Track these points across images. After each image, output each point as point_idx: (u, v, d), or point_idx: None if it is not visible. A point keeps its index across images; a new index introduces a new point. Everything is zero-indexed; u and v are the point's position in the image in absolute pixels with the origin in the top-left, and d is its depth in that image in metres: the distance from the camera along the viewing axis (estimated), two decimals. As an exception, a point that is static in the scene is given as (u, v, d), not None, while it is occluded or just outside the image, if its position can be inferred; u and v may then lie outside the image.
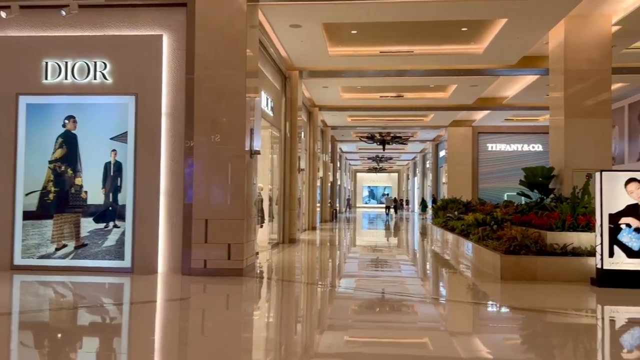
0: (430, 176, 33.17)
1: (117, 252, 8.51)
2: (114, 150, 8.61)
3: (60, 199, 8.63)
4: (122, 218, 8.55)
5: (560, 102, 10.77)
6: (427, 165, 35.49)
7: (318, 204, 21.31)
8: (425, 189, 36.80)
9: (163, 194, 8.50)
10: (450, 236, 13.57)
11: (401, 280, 8.97)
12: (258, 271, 9.13)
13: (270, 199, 13.33)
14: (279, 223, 13.46)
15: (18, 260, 8.60)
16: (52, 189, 8.65)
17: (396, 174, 62.09)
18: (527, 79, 15.75)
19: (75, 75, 8.63)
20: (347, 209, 44.57)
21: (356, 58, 13.08)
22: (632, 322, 6.22)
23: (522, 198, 12.30)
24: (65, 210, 8.63)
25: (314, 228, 19.43)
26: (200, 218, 8.27)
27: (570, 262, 8.01)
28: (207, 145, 8.30)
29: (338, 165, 33.90)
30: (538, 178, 10.74)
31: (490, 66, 13.54)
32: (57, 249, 8.60)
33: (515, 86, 17.07)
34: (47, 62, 8.67)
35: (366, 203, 64.53)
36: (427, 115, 22.47)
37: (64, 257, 8.56)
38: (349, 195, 48.44)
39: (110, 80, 8.61)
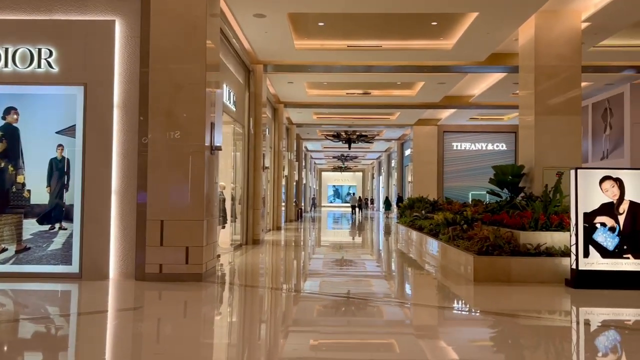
0: (395, 175, 33.08)
1: (63, 256, 7.80)
2: (60, 145, 7.89)
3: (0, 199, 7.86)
4: (70, 219, 7.84)
5: (530, 100, 10.58)
6: (392, 165, 35.41)
7: (283, 204, 20.78)
8: (391, 188, 36.74)
9: (114, 193, 7.83)
10: (417, 236, 13.28)
11: (368, 283, 8.56)
12: (219, 275, 8.56)
13: (233, 199, 12.74)
14: (242, 223, 12.88)
15: (-49, 266, 7.77)
16: (-10, 187, 7.86)
17: (361, 173, 62.10)
18: (493, 77, 15.64)
19: (17, 63, 7.86)
20: (313, 208, 44.15)
21: (323, 52, 12.63)
22: (607, 325, 5.99)
23: (489, 197, 12.13)
24: (5, 211, 7.86)
25: (278, 228, 18.90)
26: (155, 219, 7.64)
27: (545, 263, 7.77)
28: (162, 140, 7.68)
29: (303, 164, 33.42)
30: (508, 176, 10.52)
31: (458, 63, 13.32)
32: (-5, 254, 7.81)
33: (481, 84, 16.96)
34: (-16, 48, 7.86)
35: (331, 202, 64.31)
36: (393, 114, 22.24)
37: (4, 262, 7.79)
38: (314, 195, 48.03)
39: (56, 69, 7.88)
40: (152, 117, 7.70)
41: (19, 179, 7.88)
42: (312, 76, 15.16)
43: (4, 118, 7.88)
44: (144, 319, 5.86)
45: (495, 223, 9.19)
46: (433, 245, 11.04)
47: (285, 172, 20.57)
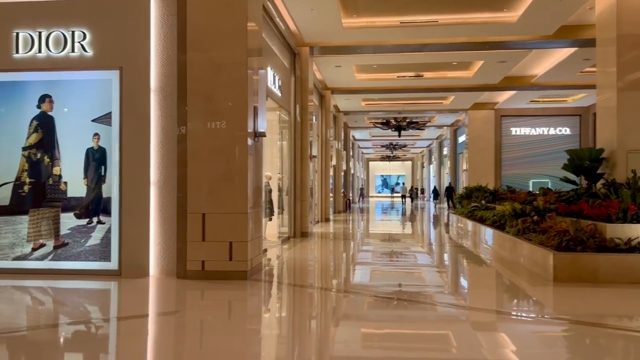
0: (448, 164, 31.73)
1: (102, 252, 7.33)
2: (96, 134, 7.40)
3: (36, 192, 7.46)
4: (108, 213, 7.36)
5: (609, 76, 9.35)
6: (445, 152, 34.04)
7: (331, 194, 20.05)
8: (443, 177, 35.38)
9: (153, 184, 7.28)
10: (478, 228, 12.25)
11: (427, 283, 7.68)
12: (266, 272, 7.91)
13: (280, 189, 12.10)
14: (290, 215, 12.23)
15: (-10, 262, 7.46)
16: (27, 180, 7.47)
17: (410, 162, 60.63)
18: (561, 54, 14.29)
19: (51, 48, 7.41)
20: (361, 199, 43.28)
21: (373, 30, 11.74)
22: None
23: (552, 183, 10.95)
24: (42, 205, 7.46)
25: (327, 220, 18.20)
26: (196, 212, 7.05)
27: (638, 260, 6.68)
28: (202, 127, 7.05)
29: (351, 153, 32.57)
30: (585, 162, 9.36)
31: (523, 38, 12.13)
32: (34, 249, 7.43)
33: (545, 63, 15.60)
34: (17, 33, 7.44)
35: (379, 192, 63.17)
36: (447, 98, 21.05)
37: (42, 258, 7.40)
38: (362, 185, 47.10)
39: (90, 53, 7.38)
40: (190, 101, 7.09)
41: (55, 170, 7.45)
42: (360, 58, 14.28)
43: (39, 106, 7.46)
44: (185, 326, 5.24)
45: (573, 214, 8.11)
46: (498, 239, 10.02)
47: (333, 162, 19.82)
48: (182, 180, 7.14)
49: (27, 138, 7.46)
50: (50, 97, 7.45)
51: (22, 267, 7.40)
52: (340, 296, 6.59)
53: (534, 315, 5.80)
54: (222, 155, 7.03)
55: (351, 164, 31.71)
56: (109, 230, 7.34)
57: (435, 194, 34.96)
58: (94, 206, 7.40)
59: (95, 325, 5.17)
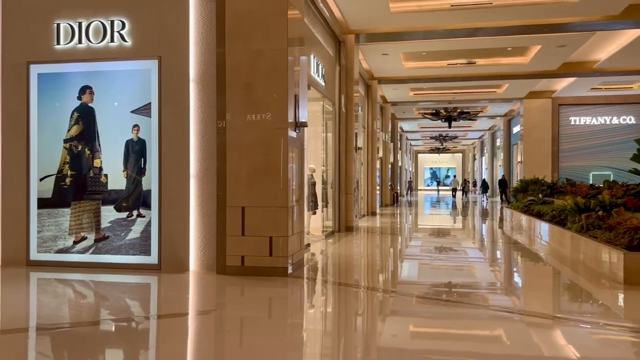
0: (500, 156, 30.51)
1: (142, 245, 7.20)
2: (135, 125, 7.26)
3: (77, 184, 7.40)
4: (148, 206, 7.21)
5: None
6: (498, 144, 32.76)
7: (378, 187, 19.54)
8: (496, 170, 34.10)
9: (193, 176, 7.08)
10: (535, 224, 11.51)
11: (489, 286, 7.14)
12: (308, 268, 7.58)
13: (325, 182, 11.75)
14: (334, 209, 11.86)
15: (34, 255, 7.47)
16: (69, 172, 7.43)
17: (460, 155, 59.02)
18: (627, 36, 13.22)
19: (91, 38, 7.31)
20: (409, 192, 42.42)
21: (422, 15, 11.15)
22: None
23: (610, 176, 10.08)
24: (83, 197, 7.40)
25: (373, 213, 17.73)
26: (236, 206, 6.79)
27: None
28: (241, 117, 6.77)
29: (399, 145, 31.84)
30: (658, 152, 8.52)
31: (586, 19, 11.23)
32: (75, 242, 7.39)
33: (610, 46, 14.51)
34: (58, 24, 7.39)
35: (428, 185, 61.81)
36: (500, 86, 20.08)
37: (84, 251, 7.35)
38: (410, 178, 46.15)
39: (129, 42, 7.23)
40: (229, 91, 6.82)
41: (96, 163, 7.37)
42: (409, 45, 13.69)
43: (79, 98, 7.39)
44: (223, 326, 4.97)
45: (646, 210, 7.36)
46: (558, 235, 9.31)
47: (380, 154, 19.29)
48: (221, 173, 6.90)
49: (68, 130, 7.41)
50: (90, 88, 7.36)
51: (65, 260, 7.37)
52: (387, 296, 6.17)
53: (602, 323, 5.19)
54: (261, 146, 6.73)
55: (399, 156, 31.00)
56: (149, 224, 7.20)
57: (485, 186, 33.75)
58: (134, 199, 7.27)
59: (135, 322, 4.98)
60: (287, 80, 6.65)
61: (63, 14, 7.37)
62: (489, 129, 35.02)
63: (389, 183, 24.13)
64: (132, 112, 7.27)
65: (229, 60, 6.81)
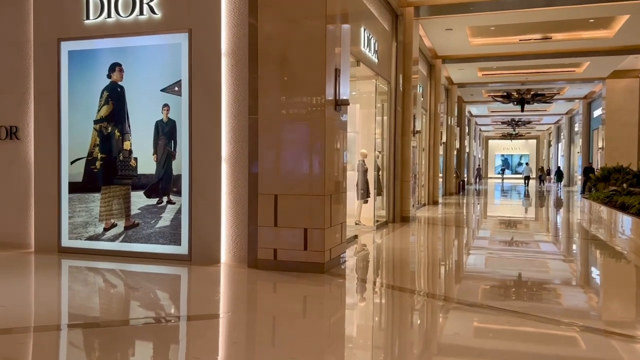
0: (579, 142, 28.17)
1: (172, 234, 6.70)
2: (165, 105, 6.73)
3: (107, 168, 7.00)
4: (178, 192, 6.70)
5: None
6: (576, 129, 30.31)
7: (441, 175, 18.34)
8: (573, 157, 31.64)
9: (224, 160, 6.47)
10: (619, 217, 10.11)
11: (564, 295, 6.06)
12: (352, 264, 6.80)
13: (379, 169, 10.88)
14: (388, 197, 10.98)
15: (65, 241, 7.18)
16: (99, 155, 7.04)
17: (535, 141, 55.76)
18: None
19: (120, 11, 6.83)
20: (477, 180, 40.47)
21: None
22: None
23: None
24: (113, 182, 6.99)
25: (435, 202, 16.63)
26: (268, 193, 6.12)
27: None
28: (274, 94, 6.07)
29: (466, 130, 30.17)
30: None
31: (687, -21, 9.59)
32: (105, 229, 7.02)
33: None
34: (88, -1, 6.97)
35: (499, 173, 58.93)
36: (580, 65, 18.20)
37: (114, 239, 6.96)
38: (479, 165, 44.01)
39: (159, 15, 6.68)
40: (261, 65, 6.12)
41: (126, 145, 6.92)
42: (475, 18, 12.42)
43: (109, 76, 6.95)
44: (246, 330, 4.32)
45: None
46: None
47: (443, 139, 18.07)
48: (253, 157, 6.24)
49: (98, 110, 7.01)
50: (120, 65, 6.90)
51: (95, 248, 7.02)
52: (439, 304, 5.26)
53: None
54: (296, 127, 6.00)
55: (466, 141, 29.38)
56: (179, 211, 6.69)
57: (559, 175, 31.40)
58: (164, 184, 6.78)
59: (163, 323, 4.43)
60: (325, 52, 5.86)
61: (93, -14, 6.94)
62: (567, 113, 32.46)
63: (454, 170, 22.77)
64: (162, 90, 6.74)
65: (261, 31, 6.11)
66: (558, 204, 19.50)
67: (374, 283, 6.03)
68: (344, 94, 6.20)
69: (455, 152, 22.86)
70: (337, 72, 6.14)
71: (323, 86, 5.88)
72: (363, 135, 10.50)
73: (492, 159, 59.18)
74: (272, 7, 6.07)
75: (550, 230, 11.80)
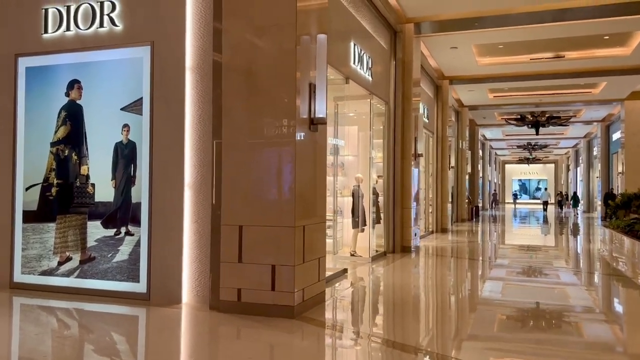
0: (598, 166, 27.03)
1: (130, 270, 5.97)
2: (125, 125, 6.07)
3: (63, 195, 6.33)
4: (137, 222, 5.98)
5: None
6: (595, 153, 29.17)
7: (450, 201, 17.42)
8: (592, 181, 30.41)
9: (188, 187, 5.75)
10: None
11: (589, 349, 5.15)
12: (331, 305, 5.97)
13: (377, 194, 10.07)
14: (386, 225, 10.15)
15: (18, 276, 6.48)
16: (55, 181, 6.38)
17: (552, 165, 54.37)
18: None
19: (79, 24, 6.25)
20: (493, 205, 39.24)
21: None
22: None
23: None
24: (69, 211, 6.31)
25: (444, 230, 15.70)
26: (232, 224, 5.36)
27: None
28: (239, 111, 5.37)
29: (480, 154, 29.23)
30: None
31: None
32: (60, 263, 6.31)
33: None
34: (46, 10, 6.40)
35: (517, 198, 57.40)
36: (596, 85, 17.31)
37: (68, 274, 6.24)
38: (494, 190, 42.77)
39: (120, 27, 6.07)
40: (226, 78, 5.44)
41: (83, 170, 6.26)
42: (481, 35, 11.69)
43: (67, 94, 6.33)
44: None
45: None
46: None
47: (452, 163, 17.22)
48: (217, 183, 5.52)
49: (55, 132, 6.37)
50: (79, 82, 6.29)
51: (48, 284, 6.30)
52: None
53: None
54: (264, 148, 5.27)
55: (480, 166, 28.40)
56: (138, 244, 5.96)
57: (575, 200, 30.19)
58: (123, 213, 6.07)
59: None
60: (295, 64, 5.16)
61: (52, -3, 6.38)
62: (585, 137, 31.35)
63: (466, 195, 21.80)
64: (122, 109, 6.09)
65: (225, 41, 5.44)
66: (575, 232, 18.37)
67: (355, 334, 5.15)
68: (320, 112, 5.47)
69: (467, 177, 21.92)
70: (311, 88, 5.43)
71: (294, 103, 5.16)
72: (363, 159, 9.76)
73: (509, 183, 57.81)
74: (238, 14, 5.42)
75: (567, 265, 10.79)
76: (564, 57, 13.71)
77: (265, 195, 5.25)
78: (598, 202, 26.64)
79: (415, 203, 10.89)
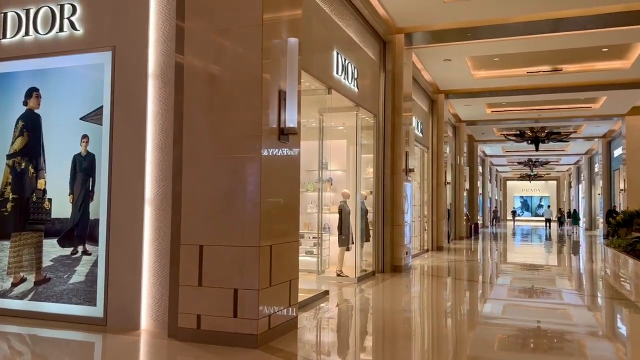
0: (600, 183, 26.53)
1: (87, 292, 5.50)
2: (85, 136, 5.65)
3: (19, 211, 5.88)
4: (95, 240, 5.52)
5: None
6: (596, 170, 28.68)
7: (446, 218, 16.92)
8: (594, 199, 29.87)
9: (148, 202, 5.30)
10: (645, 270, 8.62)
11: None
12: (304, 334, 5.46)
13: (367, 211, 9.61)
14: (374, 244, 9.66)
15: (-31, 298, 6.01)
16: (10, 195, 5.94)
17: (554, 182, 53.85)
18: None
19: (39, 28, 5.86)
20: (494, 223, 38.65)
21: (488, 4, 8.87)
22: None
23: None
24: (25, 228, 5.86)
25: (439, 248, 15.18)
26: (191, 243, 4.90)
27: None
28: (201, 120, 4.95)
29: (480, 170, 28.77)
30: None
31: None
32: (14, 284, 5.84)
33: None
34: (5, 14, 6.02)
35: (519, 215, 56.74)
36: (596, 100, 16.90)
37: (22, 296, 5.77)
38: (495, 207, 42.19)
39: (80, 31, 5.69)
40: (188, 84, 5.02)
41: (40, 184, 5.82)
42: (475, 47, 11.32)
43: (25, 103, 5.92)
44: None
45: None
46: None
47: (448, 179, 16.75)
48: (176, 198, 5.07)
49: (12, 143, 5.95)
50: (37, 90, 5.88)
51: (0, 307, 5.82)
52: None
53: None
54: (227, 160, 4.83)
55: (479, 182, 27.93)
56: (95, 264, 5.49)
57: (575, 217, 29.63)
58: (80, 231, 5.61)
59: None
60: (261, 69, 4.73)
61: (11, 0, 6.00)
62: (586, 153, 30.89)
63: (465, 212, 21.29)
64: (81, 119, 5.68)
65: (188, 41, 5.04)
66: (575, 251, 17.82)
67: (324, 362, 4.66)
68: (290, 122, 5.03)
69: (465, 193, 21.44)
70: (281, 95, 5.00)
71: (258, 111, 4.73)
72: (352, 174, 9.31)
73: (510, 200, 57.23)
74: (202, 12, 5.02)
75: (567, 288, 10.26)
76: (561, 70, 13.32)
77: (228, 212, 4.79)
78: (600, 220, 26.09)
79: (409, 220, 10.41)
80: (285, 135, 5.06)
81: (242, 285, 4.67)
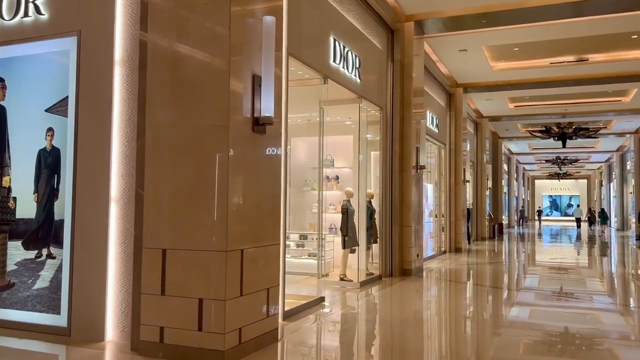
0: (632, 181, 25.25)
1: (51, 299, 5.05)
2: (50, 129, 5.20)
3: (-16, 211, 5.47)
4: (59, 242, 5.06)
5: None
6: (628, 167, 27.35)
7: (464, 217, 16.10)
8: (626, 198, 28.51)
9: (114, 201, 4.81)
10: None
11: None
12: (288, 347, 4.89)
13: (373, 211, 8.99)
14: (381, 246, 9.03)
15: None
16: (-25, 194, 5.53)
17: (585, 181, 52.01)
18: None
19: (4, 14, 5.43)
20: (522, 223, 37.38)
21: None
22: None
23: None
24: (-10, 229, 5.44)
25: (457, 250, 14.42)
26: (154, 247, 4.38)
27: None
28: (164, 110, 4.42)
29: (505, 168, 27.72)
30: None
31: None
32: (-22, 290, 5.43)
33: None
34: (-29, 0, 5.62)
35: (547, 215, 54.99)
36: (626, 92, 15.85)
37: (-14, 302, 5.35)
38: (522, 206, 40.83)
39: (45, 15, 5.23)
40: (151, 69, 4.50)
41: (5, 181, 5.39)
42: (492, 35, 10.55)
43: (-10, 95, 5.51)
44: None
45: None
46: None
47: (468, 177, 15.94)
48: (138, 197, 4.56)
49: (-23, 138, 5.54)
50: (2, 81, 5.46)
51: (-36, 314, 5.42)
52: None
53: None
54: (192, 153, 4.30)
55: (504, 181, 26.89)
56: (60, 269, 5.04)
57: (604, 217, 28.24)
58: (44, 232, 5.16)
59: None
60: (229, 51, 4.18)
61: (-24, -15, 5.60)
62: (617, 150, 29.49)
63: (487, 212, 20.40)
64: (46, 110, 5.23)
65: (151, 24, 4.52)
66: (601, 252, 16.77)
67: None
68: (266, 110, 4.47)
69: (488, 192, 20.55)
70: (255, 80, 4.45)
71: (227, 98, 4.18)
72: (355, 172, 8.71)
73: (539, 199, 55.55)
74: (165, -7, 4.50)
75: (595, 291, 9.44)
76: (587, 60, 12.42)
77: (193, 212, 4.25)
78: (632, 220, 24.83)
79: (430, 219, 9.73)
80: (262, 125, 4.50)
81: (207, 295, 4.13)
